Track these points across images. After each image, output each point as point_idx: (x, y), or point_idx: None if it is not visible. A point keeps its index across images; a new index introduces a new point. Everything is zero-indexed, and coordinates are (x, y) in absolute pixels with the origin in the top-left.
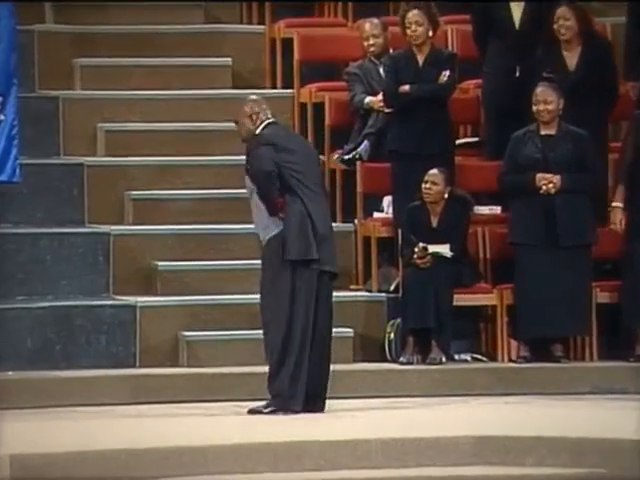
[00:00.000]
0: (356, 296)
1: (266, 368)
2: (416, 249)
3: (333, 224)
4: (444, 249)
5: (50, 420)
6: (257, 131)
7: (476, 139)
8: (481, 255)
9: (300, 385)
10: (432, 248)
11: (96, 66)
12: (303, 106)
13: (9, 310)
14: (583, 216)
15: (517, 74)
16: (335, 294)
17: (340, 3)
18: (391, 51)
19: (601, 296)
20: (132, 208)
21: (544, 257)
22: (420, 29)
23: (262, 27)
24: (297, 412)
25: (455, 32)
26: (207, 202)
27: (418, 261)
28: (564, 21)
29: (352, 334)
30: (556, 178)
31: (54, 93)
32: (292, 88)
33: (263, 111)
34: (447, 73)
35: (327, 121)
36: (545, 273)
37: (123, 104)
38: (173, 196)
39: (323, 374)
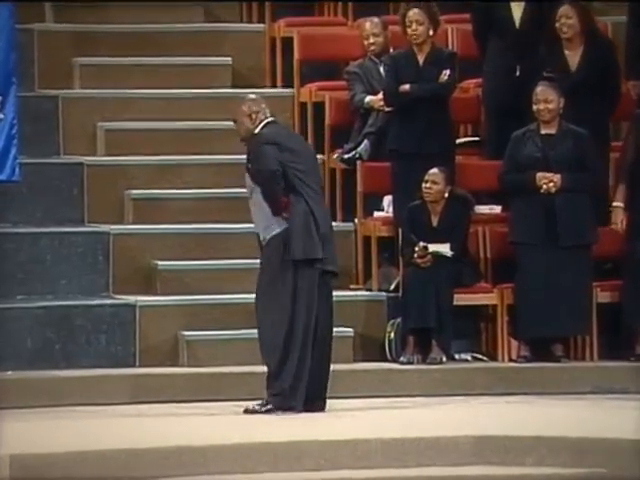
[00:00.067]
0: (356, 295)
1: (266, 368)
2: (416, 248)
3: (333, 223)
4: (444, 248)
5: (50, 420)
6: (256, 130)
7: (476, 138)
8: (481, 254)
9: (302, 384)
10: (432, 247)
11: (96, 65)
12: (303, 105)
13: (9, 310)
14: (583, 216)
15: (517, 73)
16: (335, 293)
17: (340, 2)
18: (391, 50)
19: (601, 296)
20: (132, 207)
21: (544, 256)
22: (420, 28)
23: (262, 26)
24: (298, 411)
25: (455, 31)
26: (207, 201)
27: (418, 260)
28: (566, 19)
29: (352, 334)
30: (556, 177)
31: (54, 92)
32: (292, 87)
33: (262, 110)
34: (447, 72)
35: (327, 120)
36: (545, 273)
37: (123, 103)
38: (173, 195)
39: (323, 374)
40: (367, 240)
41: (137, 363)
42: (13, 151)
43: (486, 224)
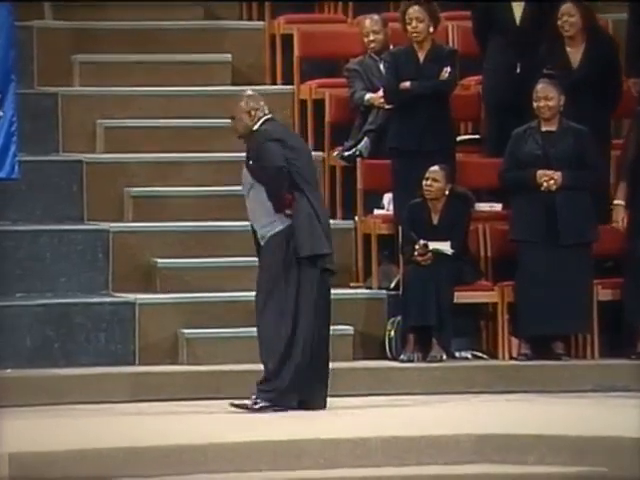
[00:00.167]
0: (356, 293)
1: (262, 366)
2: (417, 246)
3: (333, 221)
4: (445, 246)
5: (49, 418)
6: (255, 127)
7: (477, 136)
8: (482, 252)
9: (299, 383)
10: (433, 245)
11: (95, 62)
12: (303, 103)
13: (8, 307)
14: (584, 213)
15: (518, 70)
16: (335, 291)
17: (340, 1)
18: (391, 47)
19: (602, 293)
20: (132, 205)
21: (545, 254)
22: (421, 25)
23: (262, 23)
24: (293, 408)
25: (456, 28)
26: (207, 199)
27: (419, 258)
28: (568, 17)
29: (352, 332)
30: (557, 175)
31: (53, 89)
32: (292, 84)
33: (261, 107)
34: (448, 70)
35: (327, 118)
36: (546, 270)
37: (122, 100)
38: (173, 193)
39: (323, 372)
40: (367, 238)
41: (137, 361)
42: (12, 149)
43: (486, 222)
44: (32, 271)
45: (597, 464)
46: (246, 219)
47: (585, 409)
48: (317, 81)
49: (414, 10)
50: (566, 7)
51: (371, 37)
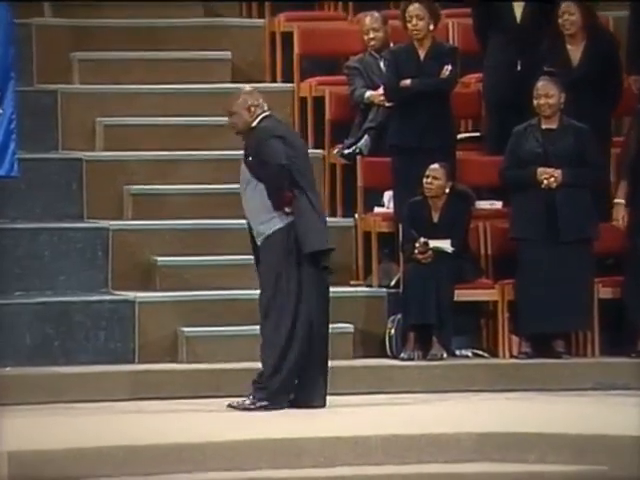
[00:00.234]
0: (356, 291)
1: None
2: (417, 244)
3: (334, 219)
4: (445, 244)
5: (48, 416)
6: (254, 123)
7: (477, 134)
8: (482, 250)
9: (291, 383)
10: (433, 243)
11: (95, 60)
12: (303, 100)
13: (7, 306)
14: (585, 211)
15: (518, 68)
16: (335, 289)
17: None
18: (391, 45)
19: (603, 291)
20: (131, 203)
21: (545, 252)
22: (421, 23)
23: (262, 21)
24: (285, 407)
25: (456, 26)
26: (207, 197)
27: (419, 256)
28: (569, 16)
29: (352, 330)
30: (557, 172)
31: (52, 87)
32: (292, 82)
33: (260, 103)
34: (449, 67)
35: (327, 115)
36: (546, 268)
37: (122, 98)
38: (172, 191)
39: (322, 370)
40: (367, 236)
41: (136, 359)
42: (12, 146)
43: (487, 220)
44: (31, 269)
45: (597, 462)
46: (245, 217)
47: (585, 407)
48: (317, 79)
49: (414, 8)
50: (566, 5)
51: (371, 35)
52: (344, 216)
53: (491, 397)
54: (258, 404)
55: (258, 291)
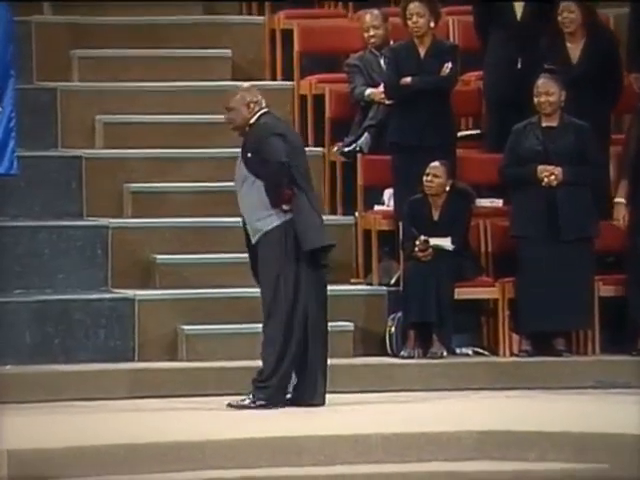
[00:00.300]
0: (356, 290)
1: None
2: (417, 242)
3: (334, 217)
4: (445, 242)
5: (48, 415)
6: (252, 120)
7: (477, 131)
8: (483, 248)
9: (287, 382)
10: (433, 241)
11: (94, 57)
12: (303, 98)
13: (7, 304)
14: (585, 209)
15: (519, 66)
16: (335, 287)
17: None
18: (392, 42)
19: (604, 289)
20: (131, 201)
21: (546, 250)
22: (421, 20)
23: (262, 18)
24: (285, 405)
25: (456, 23)
26: (206, 195)
27: (419, 254)
28: (568, 13)
29: (352, 328)
30: (558, 170)
31: (52, 85)
32: (292, 80)
33: (259, 100)
34: (449, 65)
35: (327, 113)
36: (547, 266)
37: (122, 96)
38: (172, 189)
39: (321, 368)
40: (367, 234)
41: (136, 357)
42: (11, 144)
43: (487, 218)
44: (31, 267)
45: (598, 461)
46: None
47: (586, 406)
48: (317, 76)
49: (415, 5)
50: (566, 3)
51: (371, 32)
52: (344, 214)
53: (491, 395)
54: (258, 403)
55: (258, 289)
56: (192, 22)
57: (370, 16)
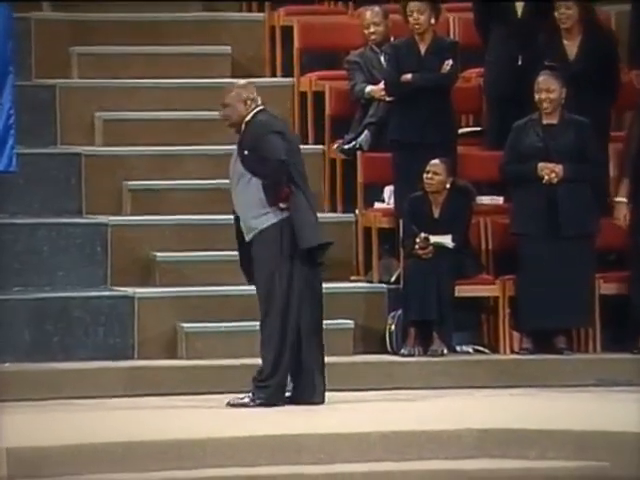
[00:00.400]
0: (357, 287)
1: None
2: (417, 240)
3: (334, 215)
4: (446, 240)
5: (47, 413)
6: (248, 117)
7: (478, 128)
8: (483, 246)
9: (285, 381)
10: (434, 239)
11: (94, 54)
12: (303, 95)
13: (6, 301)
14: (585, 206)
15: (519, 63)
16: (335, 285)
17: None
18: (392, 39)
19: (605, 287)
20: (130, 198)
21: (546, 248)
22: (422, 17)
23: (261, 15)
24: (285, 404)
25: (457, 20)
26: (206, 192)
27: (420, 252)
28: (565, 10)
29: (352, 325)
30: (558, 168)
31: (51, 82)
32: (292, 77)
33: (255, 97)
34: (450, 62)
35: (327, 110)
36: (547, 264)
37: (121, 93)
38: (172, 186)
39: (319, 366)
40: (368, 231)
41: (135, 355)
42: (10, 141)
43: (488, 215)
44: (30, 265)
45: (599, 459)
46: None
47: (587, 404)
48: (317, 73)
49: (415, 2)
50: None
51: (372, 29)
52: (344, 212)
53: (492, 393)
54: (257, 402)
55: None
56: (191, 19)
57: (370, 13)
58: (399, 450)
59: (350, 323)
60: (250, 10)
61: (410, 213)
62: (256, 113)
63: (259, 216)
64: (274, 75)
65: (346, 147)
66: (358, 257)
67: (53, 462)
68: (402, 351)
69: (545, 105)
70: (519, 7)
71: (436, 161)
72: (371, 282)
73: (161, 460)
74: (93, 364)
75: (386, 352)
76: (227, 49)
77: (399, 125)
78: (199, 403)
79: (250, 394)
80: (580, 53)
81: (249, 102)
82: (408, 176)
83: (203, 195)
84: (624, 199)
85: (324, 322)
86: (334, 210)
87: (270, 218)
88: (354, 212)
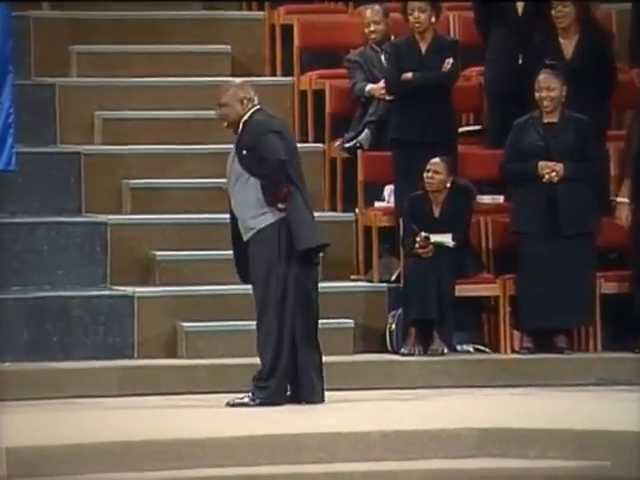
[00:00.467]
0: (357, 286)
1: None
2: (418, 239)
3: (334, 214)
4: (446, 239)
5: (47, 412)
6: (245, 117)
7: (478, 127)
8: (483, 245)
9: (286, 381)
10: (434, 238)
11: (93, 53)
12: (303, 94)
13: (5, 300)
14: (586, 205)
15: (520, 61)
16: (335, 284)
17: None
18: (392, 38)
19: (606, 286)
20: (130, 197)
21: (547, 247)
22: (423, 16)
23: (261, 14)
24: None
25: (457, 18)
26: (206, 191)
27: (420, 251)
28: (562, 8)
29: (353, 325)
30: (559, 166)
31: (50, 80)
32: (292, 75)
33: (252, 97)
34: (450, 61)
35: (327, 109)
36: (548, 263)
37: (121, 91)
38: (171, 185)
39: (315, 365)
40: (368, 230)
41: (135, 355)
42: (10, 140)
43: (488, 214)
44: (29, 264)
45: (599, 458)
46: None
47: (587, 403)
48: (317, 72)
49: (416, 1)
50: None
51: (372, 27)
52: (344, 211)
53: (492, 392)
54: (257, 402)
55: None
56: (191, 18)
57: (371, 11)
58: (399, 449)
59: (350, 322)
60: (250, 9)
61: (410, 212)
62: (253, 113)
63: (257, 216)
64: (274, 74)
65: (346, 146)
66: (358, 256)
67: (53, 461)
68: (402, 350)
69: (546, 103)
70: (520, 6)
71: (436, 160)
72: (371, 281)
73: (161, 460)
74: (93, 363)
75: (386, 351)
76: (227, 48)
77: (399, 124)
78: (199, 403)
79: (250, 394)
80: (577, 52)
81: (246, 102)
82: (408, 175)
83: (203, 194)
84: (626, 200)
85: (324, 321)
86: (334, 209)
87: (268, 218)
88: (354, 211)
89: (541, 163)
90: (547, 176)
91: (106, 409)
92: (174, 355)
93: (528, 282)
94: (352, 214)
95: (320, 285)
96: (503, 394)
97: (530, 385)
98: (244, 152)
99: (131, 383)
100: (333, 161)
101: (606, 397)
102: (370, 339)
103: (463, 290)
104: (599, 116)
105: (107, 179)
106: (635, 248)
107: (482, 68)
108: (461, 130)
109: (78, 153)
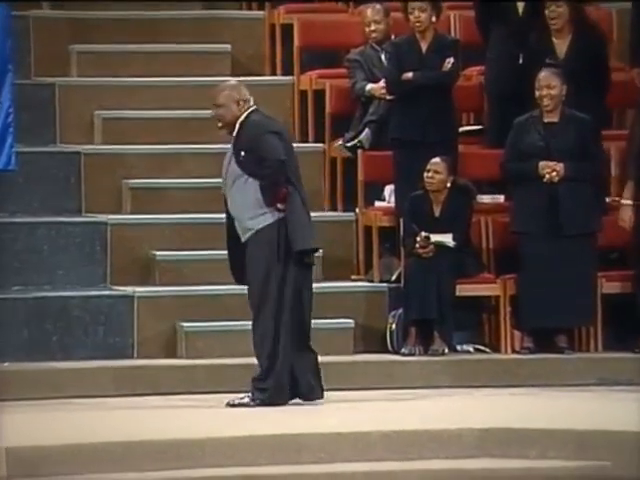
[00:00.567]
0: (357, 286)
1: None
2: (418, 238)
3: (334, 213)
4: (447, 238)
5: (46, 412)
6: (242, 118)
7: (479, 127)
8: (484, 245)
9: (286, 379)
10: (434, 237)
11: (93, 52)
12: (303, 93)
13: (5, 300)
14: (587, 204)
15: (520, 61)
16: (335, 284)
17: None
18: (393, 37)
19: (607, 286)
20: (130, 197)
21: (547, 246)
22: (423, 15)
23: (262, 13)
24: (284, 404)
25: (458, 18)
26: (206, 191)
27: (420, 250)
28: (556, 8)
29: (353, 325)
30: (559, 166)
31: (50, 80)
32: (292, 75)
33: (247, 98)
34: (451, 61)
35: (328, 108)
36: (549, 262)
37: (120, 91)
38: (171, 185)
39: (311, 366)
40: (368, 230)
41: (135, 355)
42: (9, 140)
43: (488, 214)
44: (29, 264)
45: (600, 458)
46: None
47: (588, 403)
48: (317, 71)
49: (416, 0)
50: None
51: (372, 27)
52: (345, 210)
53: (493, 393)
54: (257, 402)
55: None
56: (192, 17)
57: (371, 11)
58: (400, 449)
59: (350, 322)
60: (250, 8)
61: (411, 212)
62: (250, 113)
63: (256, 217)
64: (274, 73)
65: (347, 145)
66: (359, 256)
67: (52, 461)
68: (403, 350)
69: (546, 102)
70: (520, 6)
71: (437, 160)
72: (372, 281)
73: (160, 460)
74: (92, 363)
75: (387, 351)
76: (227, 47)
77: (400, 123)
78: (199, 403)
79: (250, 394)
80: (570, 52)
81: (242, 102)
82: (409, 175)
83: (203, 194)
84: (629, 201)
85: (324, 321)
86: (334, 209)
87: (267, 218)
88: (354, 211)
89: (541, 163)
90: (547, 176)
91: (106, 409)
92: (174, 355)
93: (529, 282)
94: (352, 214)
95: (320, 285)
96: (503, 394)
97: (531, 385)
98: (242, 153)
99: (131, 383)
100: (333, 161)
101: (607, 397)
102: (370, 339)
103: (463, 290)
104: (595, 115)
105: (107, 179)
106: (637, 248)
107: (482, 68)
108: (461, 130)
109: (78, 153)
